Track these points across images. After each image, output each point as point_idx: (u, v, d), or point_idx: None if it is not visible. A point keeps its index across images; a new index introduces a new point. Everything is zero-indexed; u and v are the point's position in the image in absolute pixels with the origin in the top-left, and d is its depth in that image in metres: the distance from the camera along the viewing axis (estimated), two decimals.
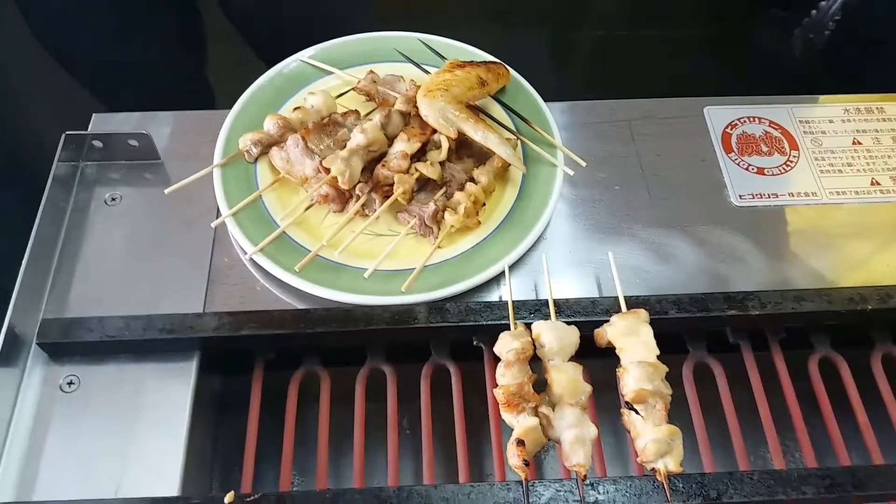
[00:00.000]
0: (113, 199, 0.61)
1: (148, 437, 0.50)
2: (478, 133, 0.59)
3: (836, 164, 0.64)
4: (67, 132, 0.61)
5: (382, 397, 0.54)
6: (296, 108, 0.62)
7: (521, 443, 0.46)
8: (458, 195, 0.57)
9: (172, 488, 0.48)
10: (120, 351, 0.52)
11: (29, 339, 0.53)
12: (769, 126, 0.66)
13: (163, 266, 0.57)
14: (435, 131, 0.60)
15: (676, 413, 0.49)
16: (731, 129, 0.65)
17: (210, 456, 0.56)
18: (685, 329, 0.56)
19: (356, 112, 0.63)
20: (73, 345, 0.52)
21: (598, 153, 0.64)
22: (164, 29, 1.01)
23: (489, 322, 0.52)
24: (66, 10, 0.93)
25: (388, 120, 0.60)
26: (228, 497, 0.45)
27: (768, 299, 0.54)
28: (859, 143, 0.65)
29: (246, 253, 0.56)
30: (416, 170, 0.58)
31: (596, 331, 0.51)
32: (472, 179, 0.59)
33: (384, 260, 0.56)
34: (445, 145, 0.59)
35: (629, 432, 0.48)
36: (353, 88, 0.65)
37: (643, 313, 0.51)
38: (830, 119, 0.66)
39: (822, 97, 0.68)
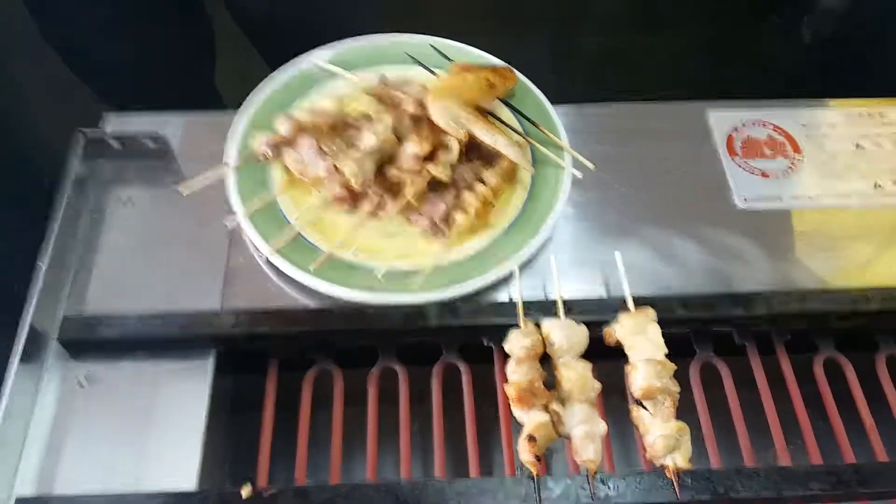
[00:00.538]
0: (128, 199, 0.61)
1: (165, 432, 0.51)
2: (487, 135, 0.60)
3: (838, 167, 0.65)
4: (83, 129, 0.62)
5: (393, 397, 0.55)
6: (308, 110, 0.63)
7: (532, 438, 0.47)
8: (467, 196, 0.58)
9: (190, 483, 0.49)
10: (138, 348, 0.53)
11: (49, 337, 0.54)
12: (773, 130, 0.67)
13: (179, 266, 0.58)
14: (445, 133, 0.61)
15: (683, 414, 0.50)
16: (735, 133, 0.66)
17: (224, 455, 0.57)
18: (692, 329, 0.57)
19: (367, 115, 0.64)
20: (92, 342, 0.53)
21: (603, 156, 0.64)
22: (172, 28, 1.02)
23: (500, 321, 0.53)
24: (73, 7, 0.94)
25: (399, 122, 0.61)
26: (246, 491, 0.46)
27: (774, 299, 0.55)
28: (861, 146, 0.66)
29: (262, 254, 0.57)
30: (427, 171, 0.59)
31: (605, 329, 0.52)
32: (481, 181, 0.60)
33: (396, 259, 0.57)
34: (455, 147, 0.60)
35: (638, 428, 0.49)
36: (363, 91, 0.66)
37: (651, 312, 0.52)
38: (833, 123, 0.67)
39: (824, 101, 0.70)
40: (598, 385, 0.50)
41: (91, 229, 0.60)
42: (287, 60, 0.68)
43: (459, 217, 0.58)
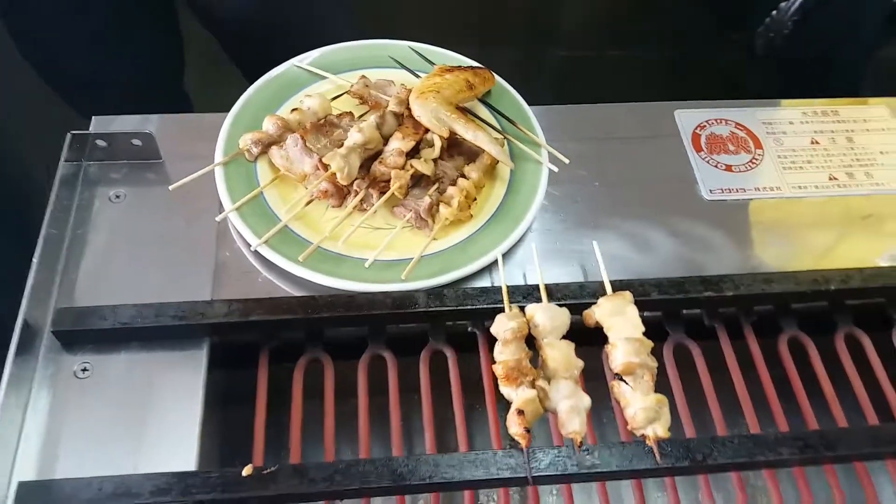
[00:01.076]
0: (117, 197, 0.63)
1: (162, 421, 0.52)
2: (468, 132, 0.63)
3: (797, 161, 0.69)
4: (72, 132, 0.63)
5: (382, 383, 0.57)
6: (293, 110, 0.65)
7: (521, 412, 0.49)
8: (451, 190, 0.61)
9: (189, 467, 0.50)
10: (132, 339, 0.54)
11: (42, 330, 0.54)
12: (735, 127, 0.71)
13: (168, 261, 0.59)
14: (427, 131, 0.63)
15: (659, 391, 0.53)
16: (700, 131, 0.70)
17: (220, 443, 0.58)
18: (665, 311, 0.60)
19: (350, 114, 0.66)
20: (86, 332, 0.53)
21: (577, 153, 0.68)
22: (146, 38, 1.03)
23: (486, 305, 0.56)
24: (48, 22, 0.94)
25: (383, 120, 0.63)
26: (246, 469, 0.47)
27: (741, 281, 0.58)
28: (817, 142, 0.71)
29: (250, 245, 0.58)
30: (412, 166, 0.61)
31: (585, 312, 0.55)
32: (463, 176, 0.63)
33: (382, 251, 0.59)
34: (438, 143, 0.62)
35: (619, 402, 0.51)
36: (346, 92, 0.68)
37: (628, 294, 0.55)
38: (791, 121, 0.72)
39: (782, 101, 0.74)
40: (580, 363, 0.53)
41: (80, 226, 0.61)
42: (262, 67, 0.70)
43: (443, 209, 0.60)
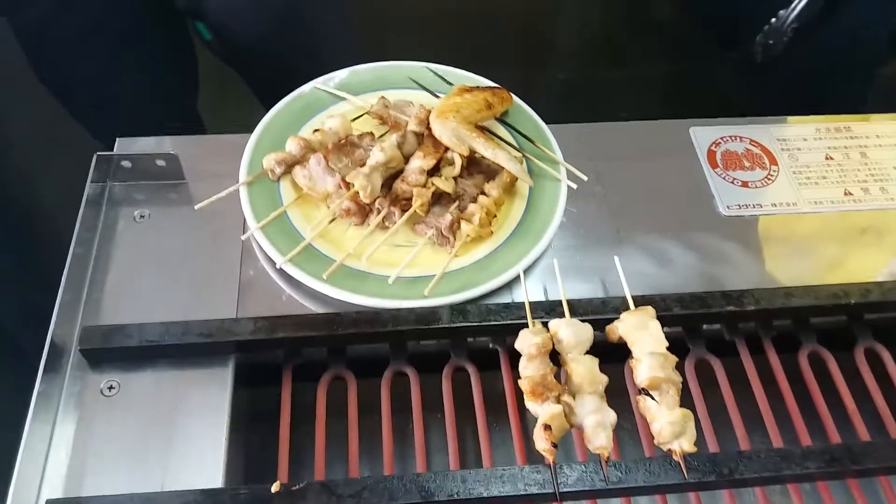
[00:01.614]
0: (142, 217, 0.63)
1: (188, 437, 0.52)
2: (488, 150, 0.64)
3: (812, 177, 0.70)
4: (98, 153, 0.64)
5: (405, 400, 0.57)
6: (315, 131, 0.66)
7: (547, 427, 0.49)
8: (471, 207, 0.62)
9: (215, 484, 0.50)
10: (158, 356, 0.55)
11: (69, 349, 0.55)
12: (750, 144, 0.72)
13: (193, 279, 0.60)
14: (447, 149, 0.64)
15: (682, 406, 0.53)
16: (716, 147, 0.71)
17: (244, 462, 0.58)
18: (686, 326, 0.60)
19: (371, 134, 0.67)
20: (113, 350, 0.54)
21: (594, 170, 0.68)
22: (160, 63, 1.05)
23: (509, 321, 0.56)
24: (66, 45, 0.96)
25: (404, 139, 0.64)
26: (275, 486, 0.47)
27: (761, 296, 0.59)
28: (832, 158, 0.71)
29: (275, 264, 0.59)
30: (433, 184, 0.62)
31: (608, 327, 0.55)
32: (483, 193, 0.63)
33: (405, 268, 0.59)
34: (458, 162, 0.63)
35: (644, 417, 0.52)
36: (366, 113, 0.69)
37: (650, 309, 0.56)
38: (805, 137, 0.73)
39: (795, 118, 0.75)
40: (605, 378, 0.53)
41: (106, 246, 0.61)
42: (276, 89, 0.71)
43: (464, 226, 0.61)
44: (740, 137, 0.72)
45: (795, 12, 1.01)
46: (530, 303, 0.57)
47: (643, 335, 0.54)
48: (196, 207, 0.61)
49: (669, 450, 0.50)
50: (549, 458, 0.49)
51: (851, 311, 0.60)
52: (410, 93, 0.71)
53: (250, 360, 0.57)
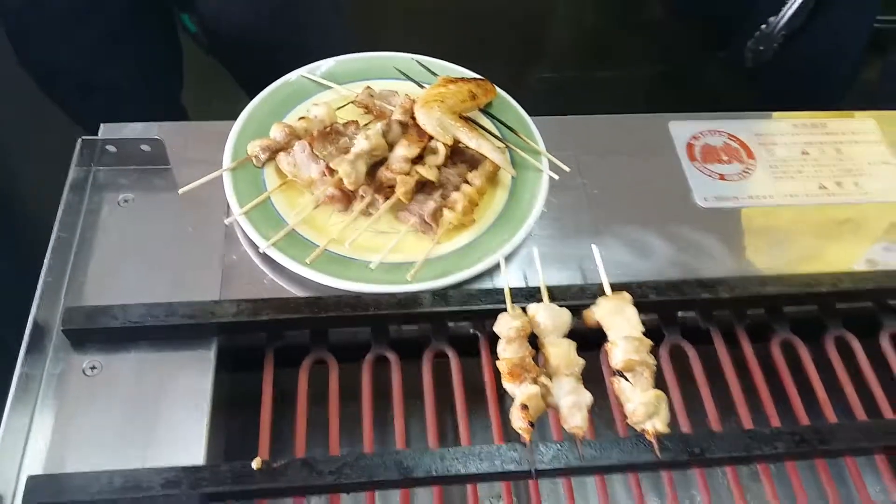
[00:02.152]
0: (126, 201, 0.64)
1: (170, 418, 0.52)
2: (472, 140, 0.65)
3: (788, 171, 0.71)
4: (83, 137, 0.64)
5: (385, 385, 0.58)
6: (300, 118, 0.67)
7: (524, 407, 0.50)
8: (454, 195, 0.63)
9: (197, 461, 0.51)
10: (141, 338, 0.55)
11: (51, 329, 0.55)
12: (728, 138, 0.73)
13: (176, 264, 0.61)
14: (432, 139, 0.65)
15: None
16: (694, 141, 0.72)
17: (225, 443, 0.59)
18: (663, 313, 0.61)
19: (356, 123, 0.68)
20: (96, 331, 0.54)
21: (575, 161, 0.69)
22: (144, 51, 1.05)
23: (489, 306, 0.57)
24: (49, 31, 0.96)
25: (389, 128, 0.65)
26: (256, 462, 0.48)
27: (736, 284, 0.60)
28: (807, 153, 0.73)
29: (259, 248, 0.59)
30: (416, 172, 0.63)
31: (585, 311, 0.57)
32: (466, 182, 0.64)
33: (387, 254, 0.60)
34: (442, 150, 0.64)
35: (618, 398, 0.53)
36: (352, 101, 0.70)
37: (626, 295, 0.57)
38: (782, 133, 0.74)
39: (773, 114, 0.77)
40: (581, 361, 0.54)
41: (90, 230, 0.62)
42: (261, 79, 0.72)
43: (447, 214, 0.62)
44: (719, 132, 0.74)
45: (785, 19, 1.03)
46: (510, 289, 0.58)
47: (619, 320, 0.55)
48: (180, 192, 0.62)
49: (643, 429, 0.51)
50: (526, 436, 0.50)
51: (822, 300, 0.62)
52: (396, 83, 0.72)
53: (233, 342, 0.58)
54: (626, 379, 0.52)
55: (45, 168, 0.74)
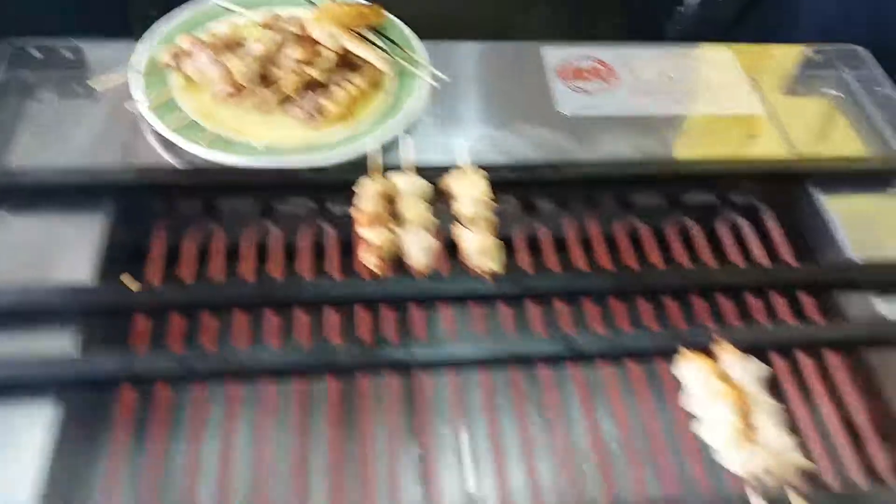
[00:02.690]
0: (47, 100, 0.71)
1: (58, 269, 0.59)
2: (359, 49, 0.73)
3: (648, 90, 0.80)
4: (9, 40, 0.72)
5: (264, 252, 0.65)
6: (206, 33, 0.75)
7: (377, 247, 0.58)
8: (336, 90, 0.71)
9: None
10: (39, 198, 0.62)
11: None
12: (596, 63, 0.82)
13: (86, 149, 0.68)
14: (323, 47, 0.73)
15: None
16: (565, 63, 0.81)
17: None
18: (517, 195, 0.69)
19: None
20: (7, 188, 0.61)
21: (454, 76, 0.78)
22: None
23: (361, 175, 0.64)
24: None
25: (284, 39, 0.73)
26: (135, 285, 0.55)
27: (580, 167, 0.68)
28: (669, 76, 0.82)
29: (163, 136, 0.67)
30: (304, 71, 0.71)
31: (441, 180, 0.64)
32: (352, 84, 0.73)
33: (274, 140, 0.68)
34: (331, 55, 0.72)
35: (461, 244, 0.60)
36: (259, 24, 0.78)
37: (480, 170, 0.65)
38: (648, 59, 0.83)
39: (643, 43, 0.86)
40: (436, 221, 0.62)
41: (13, 122, 0.69)
42: None
43: (329, 105, 0.70)
44: (589, 56, 0.83)
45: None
46: (381, 167, 0.65)
47: (469, 186, 0.63)
48: (90, 83, 0.70)
49: (479, 268, 0.59)
50: (378, 270, 0.57)
51: (661, 183, 0.70)
52: (301, 10, 0.81)
53: (127, 209, 0.64)
54: (469, 229, 0.60)
55: None
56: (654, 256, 0.68)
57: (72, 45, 0.73)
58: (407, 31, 0.80)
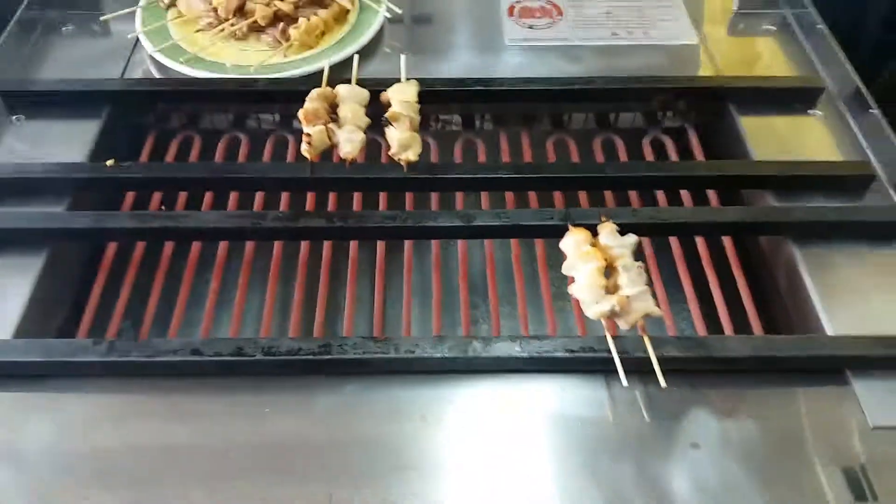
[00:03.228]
0: (65, 28, 0.85)
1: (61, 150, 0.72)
2: None
3: (589, 24, 0.88)
4: None
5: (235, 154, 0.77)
6: None
7: (310, 137, 0.68)
8: (301, 20, 0.82)
9: None
10: (55, 103, 0.75)
11: None
12: (545, 3, 0.91)
13: (91, 64, 0.81)
14: None
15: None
16: (516, 4, 0.90)
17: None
18: (456, 108, 0.79)
19: None
20: (22, 94, 0.75)
21: (409, 13, 0.88)
22: None
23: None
24: None
25: None
26: (110, 162, 0.67)
27: (513, 84, 0.77)
28: (611, 13, 0.89)
29: (153, 56, 0.80)
30: (275, 4, 0.82)
31: (381, 93, 0.74)
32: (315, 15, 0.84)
33: (244, 61, 0.80)
34: None
35: (386, 137, 0.70)
36: None
37: (413, 82, 0.74)
38: (595, 2, 0.91)
39: None
40: (368, 120, 0.71)
41: (39, 51, 0.83)
42: None
43: (293, 32, 0.81)
44: None
45: None
46: (329, 79, 0.76)
47: (400, 93, 0.73)
48: (101, 18, 0.83)
49: (399, 159, 0.68)
50: (310, 156, 0.67)
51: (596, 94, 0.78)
52: None
53: (120, 114, 0.77)
54: (393, 126, 0.70)
55: None
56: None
57: None
58: None
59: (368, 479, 0.50)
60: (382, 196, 0.72)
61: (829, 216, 0.65)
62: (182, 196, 0.73)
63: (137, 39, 0.82)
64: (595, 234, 0.62)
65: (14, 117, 0.75)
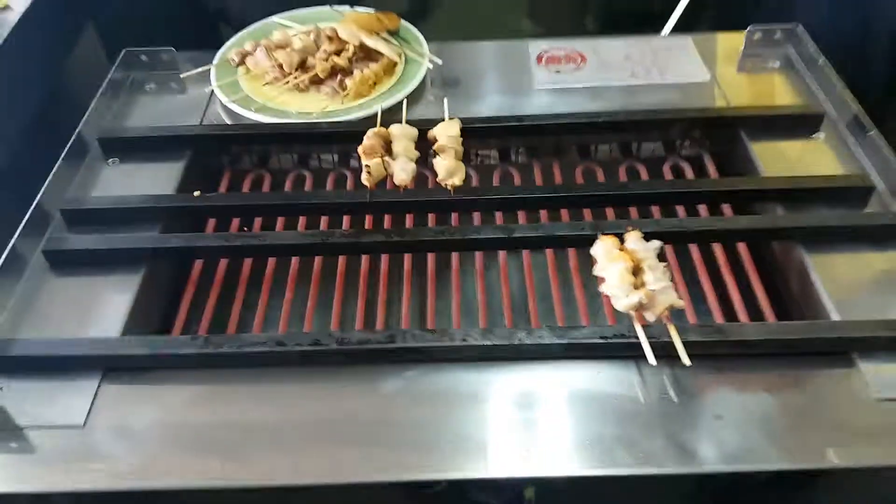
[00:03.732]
0: (149, 86, 0.98)
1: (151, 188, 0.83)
2: (371, 41, 0.96)
3: (609, 67, 0.98)
4: (126, 49, 0.99)
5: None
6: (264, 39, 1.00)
7: (369, 168, 0.78)
8: (356, 73, 0.93)
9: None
10: (140, 148, 0.87)
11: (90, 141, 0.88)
12: (570, 51, 1.01)
13: (174, 116, 0.93)
14: (347, 43, 0.97)
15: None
16: (544, 53, 1.01)
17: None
18: (497, 145, 0.88)
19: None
20: (119, 140, 0.86)
21: (455, 68, 0.99)
22: None
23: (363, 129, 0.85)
24: None
25: (319, 38, 0.97)
26: (196, 193, 0.78)
27: (540, 119, 0.87)
28: (630, 58, 1.00)
29: (225, 105, 0.91)
30: (333, 60, 0.94)
31: (429, 131, 0.84)
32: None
33: (307, 109, 0.91)
34: (352, 47, 0.95)
35: (435, 167, 0.80)
36: (302, 32, 1.03)
37: (456, 120, 0.84)
38: (613, 46, 1.01)
39: (612, 35, 1.04)
40: (417, 153, 0.81)
41: (127, 106, 0.96)
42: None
43: (349, 82, 0.92)
44: (564, 48, 1.02)
45: None
46: (381, 120, 0.87)
47: (446, 130, 0.83)
48: (182, 76, 0.95)
49: (446, 184, 0.78)
50: (369, 184, 0.77)
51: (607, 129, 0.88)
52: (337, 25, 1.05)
53: (199, 158, 0.88)
54: (439, 156, 0.80)
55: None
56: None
57: (169, 51, 0.99)
58: (416, 30, 1.02)
59: (425, 448, 0.57)
60: (431, 217, 0.81)
61: (836, 222, 0.73)
62: (257, 221, 0.83)
63: (212, 93, 0.94)
64: (622, 241, 0.70)
65: (110, 160, 0.86)
